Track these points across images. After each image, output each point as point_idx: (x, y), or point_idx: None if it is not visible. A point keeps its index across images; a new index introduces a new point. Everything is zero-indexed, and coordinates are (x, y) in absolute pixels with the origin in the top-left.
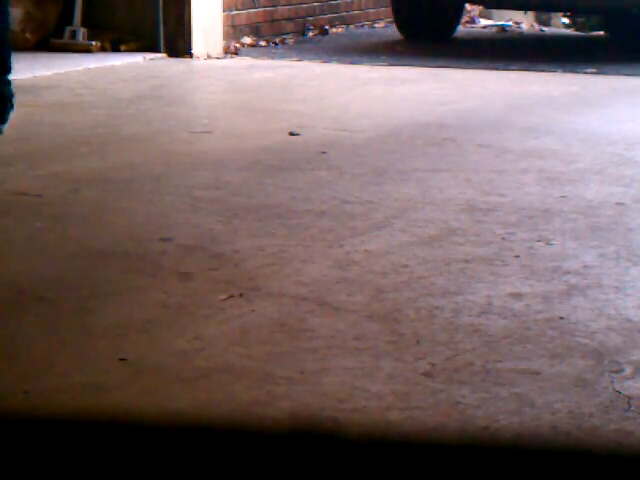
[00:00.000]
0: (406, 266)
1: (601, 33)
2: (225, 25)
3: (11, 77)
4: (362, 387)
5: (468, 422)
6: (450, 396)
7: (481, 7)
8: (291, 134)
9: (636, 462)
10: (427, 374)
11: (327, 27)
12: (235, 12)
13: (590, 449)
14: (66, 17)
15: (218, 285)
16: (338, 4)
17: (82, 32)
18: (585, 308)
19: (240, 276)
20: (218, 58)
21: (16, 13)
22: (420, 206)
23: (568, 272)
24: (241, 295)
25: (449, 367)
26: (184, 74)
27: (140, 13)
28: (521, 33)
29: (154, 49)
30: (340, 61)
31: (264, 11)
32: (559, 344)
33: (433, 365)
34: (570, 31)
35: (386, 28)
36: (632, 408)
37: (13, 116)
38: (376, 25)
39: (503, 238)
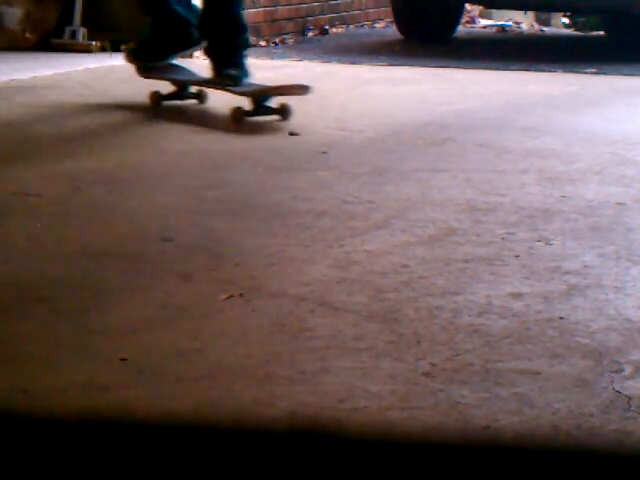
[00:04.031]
0: (406, 266)
1: (601, 33)
2: None
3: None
4: (362, 387)
5: (468, 422)
6: (450, 396)
7: (481, 7)
8: (291, 134)
9: (636, 462)
10: (427, 374)
11: (327, 27)
12: None
13: (590, 449)
14: (66, 17)
15: (218, 285)
16: (338, 4)
17: (82, 32)
18: (585, 308)
19: (240, 276)
20: None
21: (16, 13)
22: (420, 206)
23: (568, 272)
24: (241, 295)
25: (449, 367)
26: None
27: (140, 13)
28: (521, 33)
29: None
30: (340, 61)
31: (264, 11)
32: (559, 344)
33: (433, 365)
34: (570, 31)
35: (386, 28)
36: (632, 408)
37: (13, 116)
38: (376, 25)
39: (503, 238)
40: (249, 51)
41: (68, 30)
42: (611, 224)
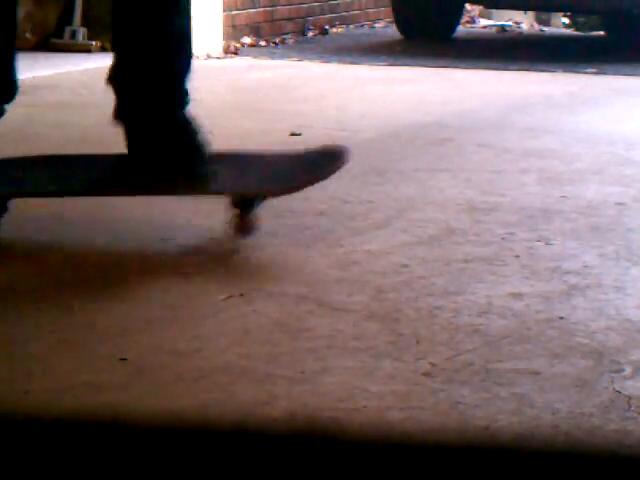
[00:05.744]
0: (406, 266)
1: (601, 33)
2: (225, 25)
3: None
4: (362, 387)
5: (468, 422)
6: (450, 396)
7: (481, 7)
8: (293, 134)
9: (636, 462)
10: (427, 374)
11: (327, 27)
12: (235, 12)
13: (590, 449)
14: (66, 17)
15: (218, 285)
16: (338, 4)
17: (82, 32)
18: (585, 308)
19: (240, 276)
20: (218, 58)
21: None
22: (420, 206)
23: (568, 272)
24: (241, 295)
25: (449, 367)
26: None
27: None
28: (521, 33)
29: None
30: (340, 61)
31: (264, 11)
32: (559, 344)
33: (433, 365)
34: (570, 31)
35: (386, 28)
36: (632, 408)
37: (13, 116)
38: (376, 25)
39: (503, 238)
40: (250, 50)
41: (68, 30)
42: (611, 224)
